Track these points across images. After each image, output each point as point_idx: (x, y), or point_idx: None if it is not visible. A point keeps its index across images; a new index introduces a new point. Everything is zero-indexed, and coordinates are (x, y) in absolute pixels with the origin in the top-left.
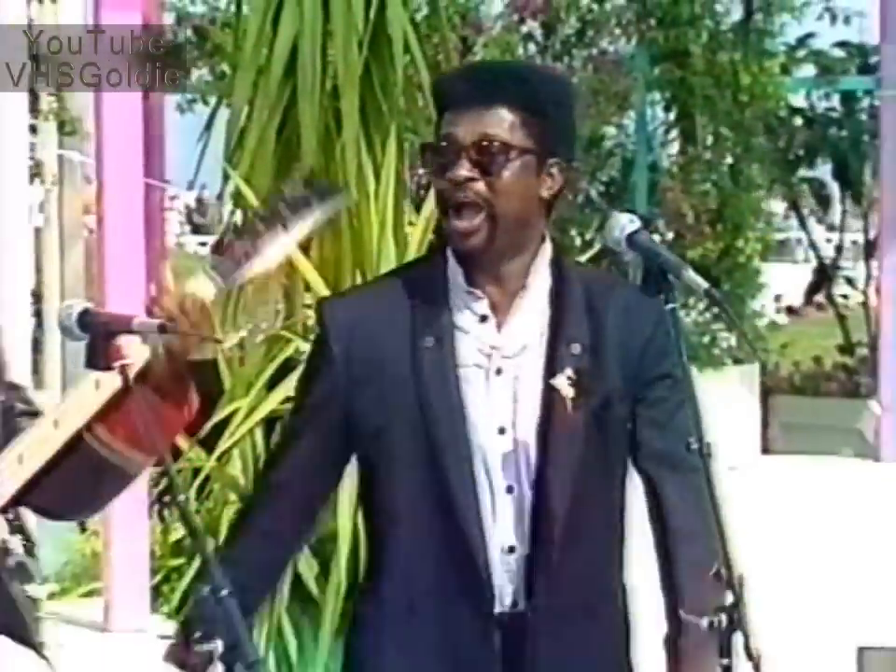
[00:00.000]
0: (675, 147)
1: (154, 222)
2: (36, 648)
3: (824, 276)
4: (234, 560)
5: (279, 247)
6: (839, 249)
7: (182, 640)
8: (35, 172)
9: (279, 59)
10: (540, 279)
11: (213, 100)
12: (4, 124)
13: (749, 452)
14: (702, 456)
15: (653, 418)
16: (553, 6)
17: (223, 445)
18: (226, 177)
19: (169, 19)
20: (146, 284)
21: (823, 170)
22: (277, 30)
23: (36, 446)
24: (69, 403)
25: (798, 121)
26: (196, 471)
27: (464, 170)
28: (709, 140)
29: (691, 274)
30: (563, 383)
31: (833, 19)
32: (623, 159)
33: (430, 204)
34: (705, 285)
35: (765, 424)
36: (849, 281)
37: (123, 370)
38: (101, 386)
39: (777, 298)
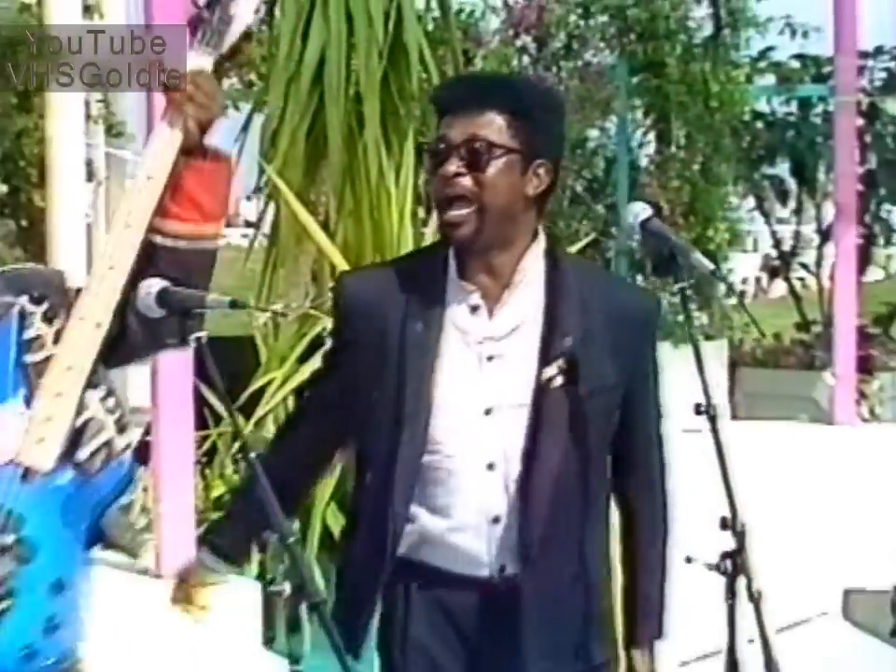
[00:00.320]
0: (652, 148)
1: None
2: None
3: (783, 262)
4: (278, 459)
5: (250, 4)
6: (796, 238)
7: None
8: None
9: (308, 69)
10: (533, 272)
11: (242, 106)
12: (62, 125)
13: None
14: (711, 417)
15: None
16: (545, 22)
17: (259, 412)
18: (261, 172)
19: None
20: None
21: (782, 168)
22: (306, 43)
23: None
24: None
25: (760, 125)
26: (235, 435)
27: (454, 166)
28: (682, 141)
29: (698, 256)
30: (554, 372)
31: (794, 33)
32: (606, 158)
33: None
34: (710, 266)
35: (732, 393)
36: (805, 266)
37: (200, 341)
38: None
39: (744, 281)
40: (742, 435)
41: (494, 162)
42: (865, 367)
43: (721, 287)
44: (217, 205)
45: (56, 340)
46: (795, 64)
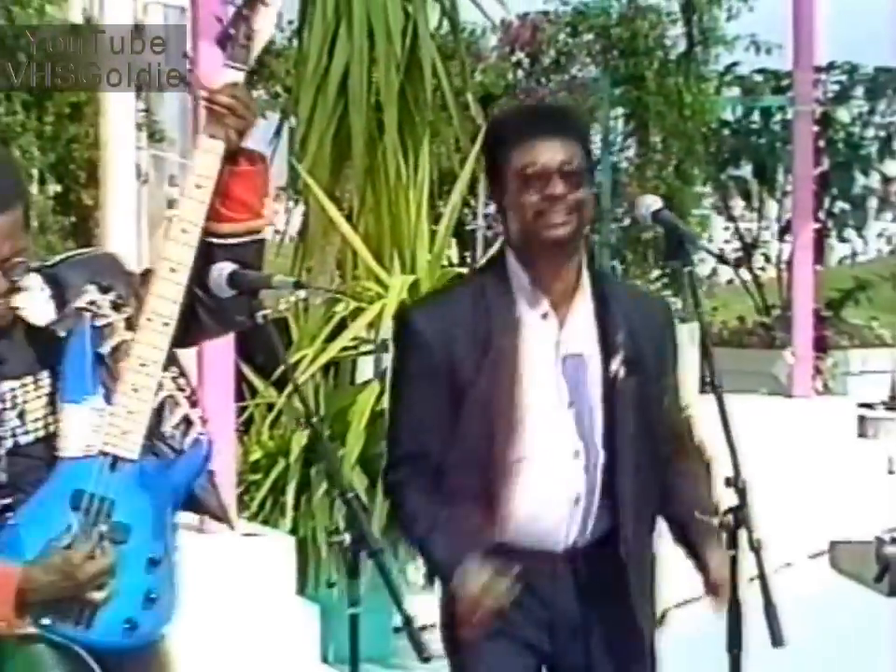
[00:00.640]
0: (632, 151)
1: None
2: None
3: (746, 254)
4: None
5: (271, 20)
6: (758, 232)
7: None
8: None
9: (334, 81)
10: (586, 277)
11: (269, 114)
12: (115, 131)
13: (691, 391)
14: (716, 389)
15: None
16: (537, 40)
17: (292, 385)
18: (292, 172)
19: None
20: None
21: (746, 170)
22: (332, 58)
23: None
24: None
25: (727, 132)
26: (270, 406)
27: (559, 188)
28: (659, 146)
29: (703, 243)
30: (617, 365)
31: (758, 50)
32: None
33: (454, 196)
34: (715, 250)
35: (702, 369)
36: (766, 257)
37: (266, 318)
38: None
39: (714, 271)
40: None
41: (584, 184)
42: (820, 346)
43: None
44: (261, 202)
45: (127, 327)
46: (758, 78)
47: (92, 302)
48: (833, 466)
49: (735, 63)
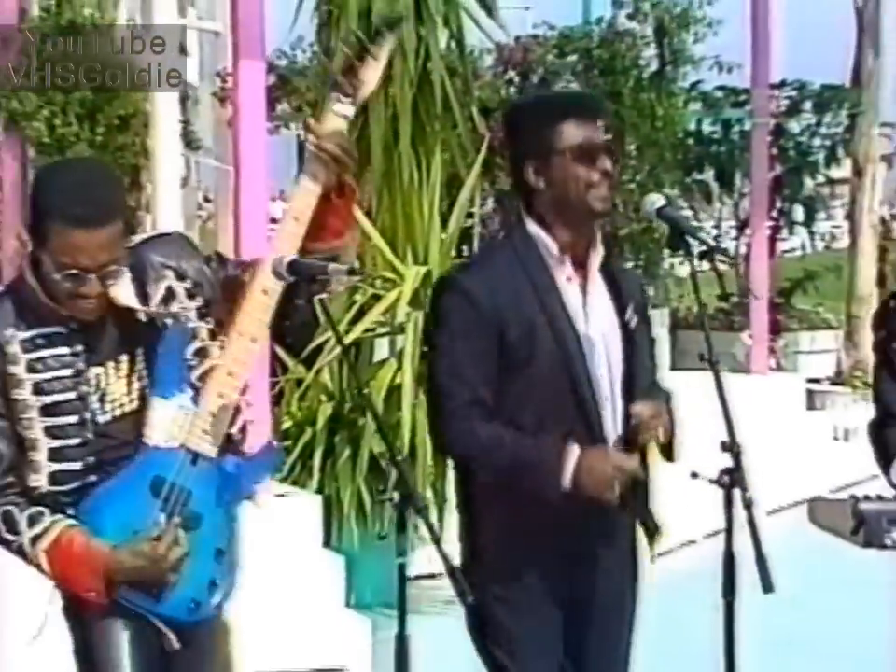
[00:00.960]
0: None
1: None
2: None
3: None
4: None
5: (375, 72)
6: (718, 229)
7: None
8: None
9: None
10: (600, 243)
11: (293, 125)
12: (164, 140)
13: (663, 368)
14: (712, 364)
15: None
16: (528, 60)
17: (318, 363)
18: None
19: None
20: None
21: (708, 174)
22: None
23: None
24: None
25: (692, 141)
26: (299, 382)
27: (608, 163)
28: (634, 153)
29: (703, 236)
30: (630, 314)
31: (720, 69)
32: None
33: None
34: (713, 242)
35: (672, 349)
36: (725, 252)
37: (322, 302)
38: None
39: (682, 262)
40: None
41: (615, 159)
42: (774, 329)
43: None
44: (346, 227)
45: (200, 316)
46: (720, 94)
47: (170, 289)
48: (786, 433)
49: (699, 81)
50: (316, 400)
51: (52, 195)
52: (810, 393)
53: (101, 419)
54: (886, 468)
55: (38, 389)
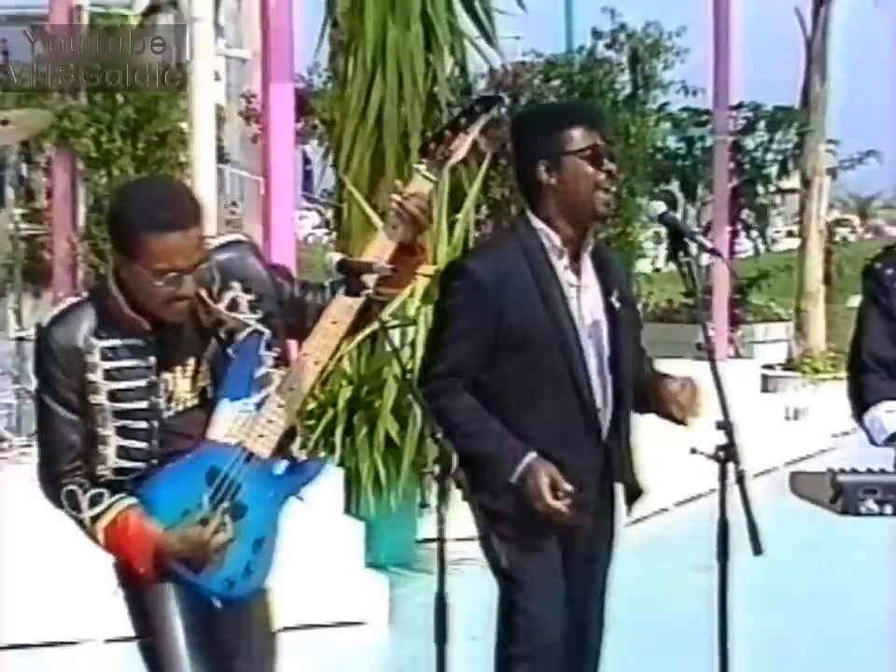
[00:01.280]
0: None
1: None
2: None
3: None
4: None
5: (465, 146)
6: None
7: None
8: None
9: (372, 114)
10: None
11: (310, 141)
12: (200, 151)
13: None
14: (709, 351)
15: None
16: (517, 84)
17: (339, 352)
18: (340, 183)
19: None
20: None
21: (674, 185)
22: (370, 97)
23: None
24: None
25: (660, 156)
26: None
27: (612, 166)
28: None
29: (699, 238)
30: (615, 299)
31: (686, 92)
32: None
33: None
34: (709, 244)
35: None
36: (688, 254)
37: (368, 296)
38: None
39: (651, 262)
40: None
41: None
42: (732, 321)
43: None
44: (409, 281)
45: (262, 321)
46: (685, 114)
47: (234, 300)
48: (743, 413)
49: (667, 103)
50: (337, 385)
51: (142, 208)
52: (764, 377)
53: (166, 415)
54: (860, 414)
55: (114, 396)
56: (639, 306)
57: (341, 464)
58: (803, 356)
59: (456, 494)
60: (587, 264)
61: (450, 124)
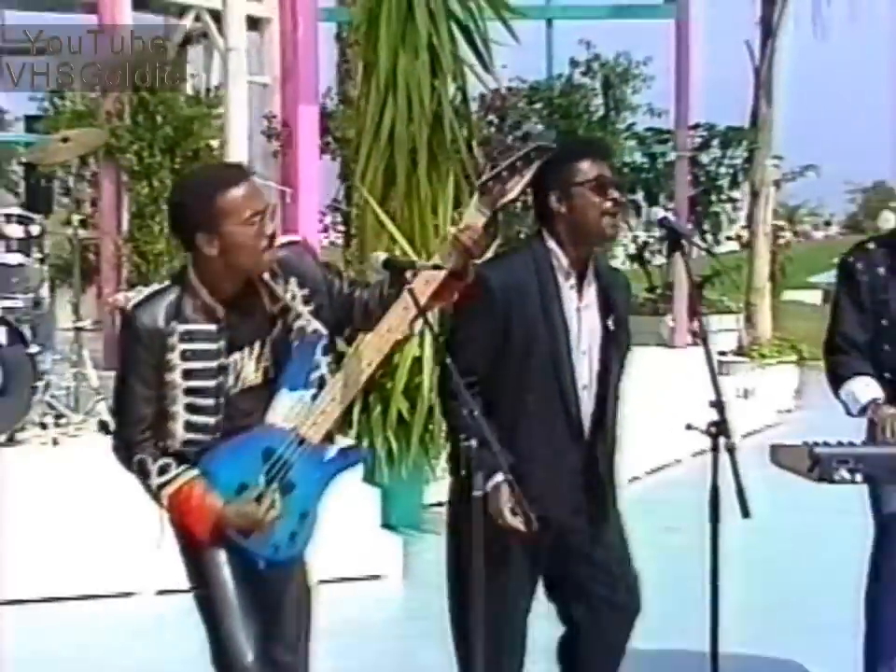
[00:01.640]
0: None
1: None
2: None
3: (639, 251)
4: None
5: (519, 187)
6: (646, 237)
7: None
8: None
9: (384, 132)
10: (593, 259)
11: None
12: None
13: None
14: (703, 338)
15: None
16: (504, 106)
17: (357, 341)
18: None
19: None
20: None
21: (639, 196)
22: (383, 117)
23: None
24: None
25: (627, 169)
26: (342, 355)
27: (616, 193)
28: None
29: (695, 239)
30: (612, 321)
31: (652, 113)
32: None
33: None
34: (704, 245)
35: None
36: (651, 253)
37: (411, 291)
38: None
39: (623, 263)
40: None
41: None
42: (690, 313)
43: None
44: (451, 297)
45: (314, 313)
46: (649, 133)
47: (293, 296)
48: (701, 393)
49: (634, 123)
50: None
51: (207, 181)
52: (719, 362)
53: (231, 393)
54: (836, 387)
55: (187, 375)
56: None
57: (358, 438)
58: (751, 343)
59: None
60: (591, 286)
61: (509, 166)
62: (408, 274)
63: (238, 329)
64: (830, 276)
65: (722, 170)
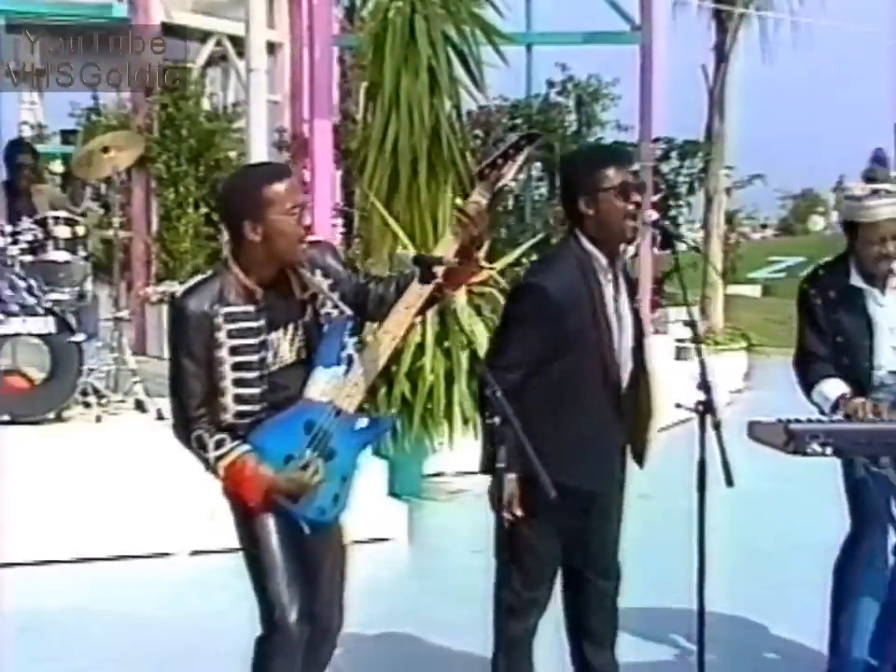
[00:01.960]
0: (544, 189)
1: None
2: None
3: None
4: None
5: (513, 172)
6: None
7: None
8: None
9: (388, 144)
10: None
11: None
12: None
13: None
14: (693, 326)
15: None
16: (489, 122)
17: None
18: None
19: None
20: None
21: None
22: (387, 130)
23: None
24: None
25: None
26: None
27: (639, 197)
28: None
29: (685, 239)
30: (638, 304)
31: (619, 128)
32: (516, 195)
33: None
34: (693, 243)
35: None
36: (698, 248)
37: (438, 284)
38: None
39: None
40: None
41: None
42: (653, 306)
43: None
44: (460, 284)
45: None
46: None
47: (318, 284)
48: (662, 377)
49: (603, 137)
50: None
51: (255, 175)
52: (678, 349)
53: (272, 369)
54: (808, 391)
55: (233, 350)
56: None
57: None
58: (706, 332)
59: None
60: (620, 277)
61: (502, 154)
62: (436, 269)
63: (274, 310)
64: (766, 272)
65: (681, 179)
